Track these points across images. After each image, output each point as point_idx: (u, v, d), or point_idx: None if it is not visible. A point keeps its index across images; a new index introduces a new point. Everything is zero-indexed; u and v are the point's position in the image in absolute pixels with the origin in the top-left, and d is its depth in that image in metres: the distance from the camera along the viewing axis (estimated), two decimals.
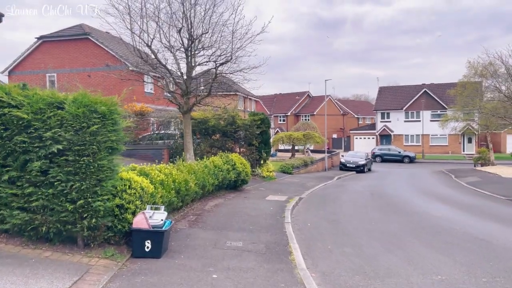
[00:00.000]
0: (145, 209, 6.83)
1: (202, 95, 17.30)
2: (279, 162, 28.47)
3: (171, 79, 16.48)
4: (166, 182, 8.77)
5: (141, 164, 9.02)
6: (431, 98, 55.60)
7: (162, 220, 6.66)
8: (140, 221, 6.45)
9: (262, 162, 22.88)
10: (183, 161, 11.94)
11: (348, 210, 12.82)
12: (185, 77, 16.44)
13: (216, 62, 15.92)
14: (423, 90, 56.56)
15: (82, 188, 6.22)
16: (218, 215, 10.46)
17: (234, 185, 15.80)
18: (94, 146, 6.32)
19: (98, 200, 6.28)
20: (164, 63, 15.64)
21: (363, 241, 8.54)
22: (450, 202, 15.23)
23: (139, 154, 23.04)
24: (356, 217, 11.42)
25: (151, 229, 6.44)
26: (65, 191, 6.25)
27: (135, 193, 6.85)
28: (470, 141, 55.16)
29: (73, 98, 6.54)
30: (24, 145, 6.33)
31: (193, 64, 16.24)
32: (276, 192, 17.01)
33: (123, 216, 6.65)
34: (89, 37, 29.35)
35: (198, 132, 22.54)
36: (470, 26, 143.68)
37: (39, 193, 6.28)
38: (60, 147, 6.22)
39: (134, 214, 6.67)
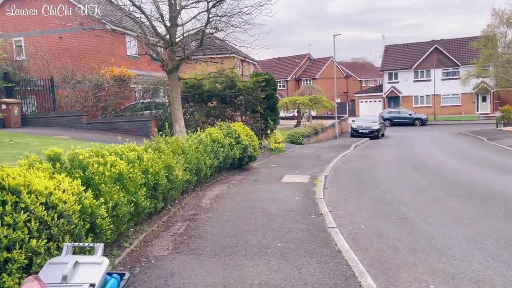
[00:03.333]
0: (59, 254, 3.07)
1: (192, 49, 13.30)
2: (285, 131, 24.74)
3: (149, 26, 12.41)
4: (128, 177, 5.06)
5: (127, 139, 5.52)
6: (443, 55, 51.33)
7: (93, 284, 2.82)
8: None
9: (268, 131, 19.14)
10: (166, 135, 8.18)
11: (402, 194, 9.19)
12: (168, 23, 12.40)
13: (208, 1, 11.88)
14: (433, 47, 52.20)
15: None
16: (222, 218, 6.80)
17: (239, 163, 12.13)
18: None
19: None
20: (138, 3, 11.57)
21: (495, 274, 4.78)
22: None
23: (122, 128, 19.37)
24: (427, 208, 7.76)
25: None
26: None
27: (30, 219, 3.07)
28: (484, 99, 51.42)
29: None
30: None
31: (177, 7, 12.18)
32: (291, 169, 13.38)
33: None
34: None
35: (190, 98, 18.67)
36: None
37: None
38: None
39: (20, 281, 2.92)
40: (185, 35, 12.91)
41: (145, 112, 20.84)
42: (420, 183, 10.58)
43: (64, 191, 3.44)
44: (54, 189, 3.37)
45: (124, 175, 4.92)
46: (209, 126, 13.48)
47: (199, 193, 8.80)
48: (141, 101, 21.33)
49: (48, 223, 3.15)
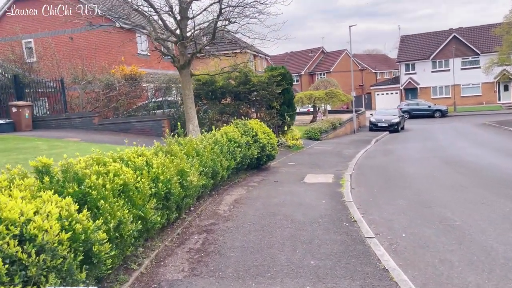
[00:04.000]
0: None
1: (204, 43, 12.55)
2: (301, 127, 23.87)
3: (158, 20, 11.69)
4: (134, 187, 4.32)
5: (134, 142, 5.18)
6: (462, 43, 49.59)
7: None
8: None
9: (285, 128, 18.30)
10: (178, 136, 7.45)
11: (441, 195, 8.30)
12: (178, 16, 11.68)
13: None
14: (452, 36, 50.49)
15: None
16: (243, 227, 6.03)
17: (257, 163, 11.37)
18: None
19: None
20: None
21: None
22: None
23: (134, 128, 18.83)
24: (474, 212, 6.86)
25: None
26: None
27: None
28: (506, 88, 49.53)
29: None
30: None
31: None
32: (312, 167, 12.56)
33: None
34: None
35: (203, 96, 17.95)
36: None
37: None
38: None
39: None
40: (196, 28, 12.16)
41: (157, 111, 20.22)
42: (458, 180, 9.65)
43: (48, 215, 2.70)
44: (34, 214, 2.62)
45: (129, 186, 4.19)
46: (224, 124, 12.76)
47: (216, 198, 8.07)
48: (153, 100, 20.71)
49: (24, 261, 2.42)
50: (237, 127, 10.80)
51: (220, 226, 6.10)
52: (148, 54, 24.49)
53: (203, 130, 10.60)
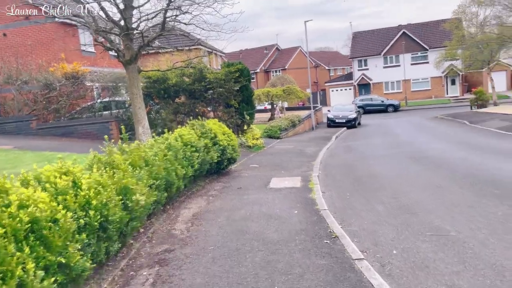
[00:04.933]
0: None
1: (152, 35, 11.22)
2: (260, 125, 22.96)
3: (99, 10, 10.26)
4: (49, 225, 3.08)
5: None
6: (411, 39, 50.97)
7: None
8: None
9: (245, 127, 17.28)
10: (122, 141, 6.18)
11: (420, 197, 7.59)
12: (121, 6, 10.30)
13: None
14: (401, 32, 51.75)
15: None
16: (205, 254, 4.91)
17: (217, 168, 10.25)
18: None
19: None
20: None
21: None
22: None
23: (78, 132, 17.12)
24: (465, 218, 6.09)
25: None
26: None
27: None
28: (453, 82, 51.53)
29: None
30: None
31: None
32: (276, 169, 11.63)
33: None
34: None
35: (155, 94, 16.56)
36: None
37: None
38: None
39: None
40: (143, 19, 10.80)
41: (104, 112, 18.53)
42: (432, 179, 9.05)
43: None
44: None
45: (42, 222, 2.97)
46: (179, 126, 11.53)
47: (171, 213, 6.88)
48: (99, 100, 18.97)
49: None
50: (193, 129, 9.62)
51: (176, 254, 4.94)
52: (94, 51, 22.52)
53: (154, 134, 9.32)
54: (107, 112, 18.36)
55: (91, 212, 3.67)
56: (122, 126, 6.93)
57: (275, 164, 12.74)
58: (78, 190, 3.75)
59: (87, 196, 3.73)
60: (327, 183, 9.71)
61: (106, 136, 5.43)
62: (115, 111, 18.50)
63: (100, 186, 4.08)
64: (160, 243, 5.37)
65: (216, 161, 9.62)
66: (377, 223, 6.20)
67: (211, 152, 9.27)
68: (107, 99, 18.86)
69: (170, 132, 8.49)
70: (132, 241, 5.30)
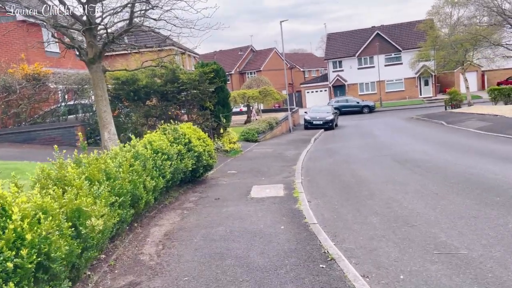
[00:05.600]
0: None
1: (118, 31, 10.23)
2: (236, 128, 22.15)
3: (59, 5, 9.21)
4: None
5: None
6: (385, 41, 51.39)
7: None
8: None
9: (221, 131, 16.42)
10: (83, 148, 5.24)
11: (416, 206, 6.94)
12: None
13: None
14: (375, 33, 52.11)
15: None
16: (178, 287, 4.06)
17: (192, 176, 9.36)
18: None
19: None
20: None
21: None
22: None
23: (41, 138, 15.88)
24: (473, 232, 5.43)
25: None
26: None
27: None
28: (427, 83, 52.26)
29: None
30: None
31: None
32: (256, 176, 10.85)
33: None
34: None
35: (124, 97, 15.49)
36: None
37: None
38: None
39: None
40: (107, 13, 9.80)
41: (69, 116, 17.29)
42: (424, 185, 8.46)
43: None
44: None
45: None
46: (150, 130, 10.58)
47: (139, 232, 5.96)
48: (63, 104, 17.69)
49: None
50: (165, 134, 8.72)
51: None
52: (58, 51, 21.13)
53: (119, 142, 8.36)
54: (72, 116, 17.14)
55: (23, 252, 2.77)
56: (80, 134, 5.98)
57: (254, 169, 11.96)
58: (8, 220, 2.84)
59: (18, 229, 2.83)
60: (311, 190, 8.99)
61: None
62: (81, 115, 17.30)
63: (41, 212, 3.18)
64: (124, 273, 4.47)
65: (191, 169, 8.74)
66: (375, 239, 5.48)
67: (185, 160, 8.39)
68: (72, 102, 17.62)
69: (138, 138, 7.56)
70: (89, 272, 4.38)
